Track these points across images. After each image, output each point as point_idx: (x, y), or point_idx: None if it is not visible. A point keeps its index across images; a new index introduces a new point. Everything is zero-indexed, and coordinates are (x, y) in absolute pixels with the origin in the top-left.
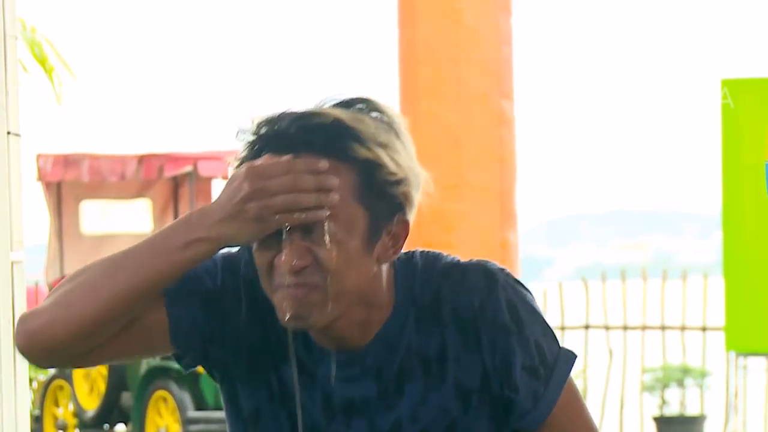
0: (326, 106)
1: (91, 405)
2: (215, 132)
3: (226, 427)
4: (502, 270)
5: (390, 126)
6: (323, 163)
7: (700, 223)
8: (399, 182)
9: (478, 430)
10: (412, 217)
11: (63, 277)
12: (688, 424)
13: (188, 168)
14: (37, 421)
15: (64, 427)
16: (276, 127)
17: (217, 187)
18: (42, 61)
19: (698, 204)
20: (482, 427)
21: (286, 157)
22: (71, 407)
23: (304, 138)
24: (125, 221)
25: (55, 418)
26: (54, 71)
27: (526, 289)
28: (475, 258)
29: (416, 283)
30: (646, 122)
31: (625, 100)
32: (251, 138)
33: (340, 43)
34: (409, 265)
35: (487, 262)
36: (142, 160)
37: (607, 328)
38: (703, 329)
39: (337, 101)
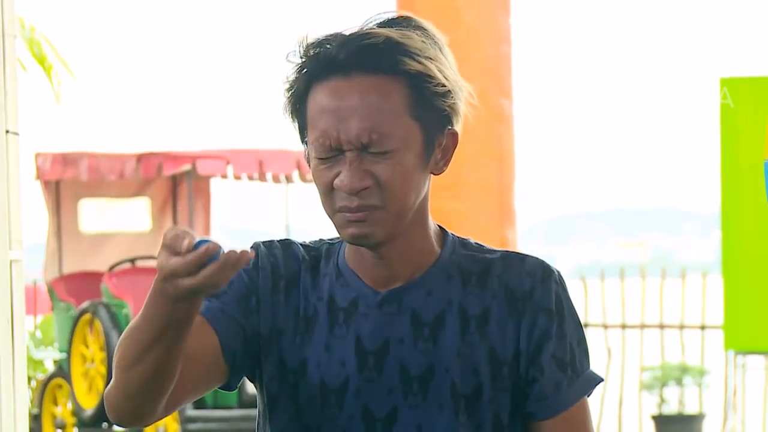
0: (370, 26)
1: (89, 404)
2: (214, 131)
3: (261, 418)
4: (559, 272)
5: (434, 40)
6: (248, 256)
7: (699, 222)
8: (447, 94)
9: (500, 402)
10: (459, 128)
11: (62, 276)
12: (686, 423)
13: (187, 167)
14: (35, 420)
15: (62, 426)
16: (326, 49)
17: (216, 186)
18: (41, 60)
19: (697, 202)
20: (505, 401)
21: (194, 253)
22: (70, 406)
23: (356, 59)
24: (124, 220)
25: (54, 416)
26: (53, 70)
27: (573, 298)
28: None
29: (463, 254)
30: (645, 121)
31: (624, 98)
32: (300, 60)
33: None
34: (461, 240)
35: (545, 260)
36: (140, 158)
37: (605, 326)
38: (702, 328)
39: (380, 20)
